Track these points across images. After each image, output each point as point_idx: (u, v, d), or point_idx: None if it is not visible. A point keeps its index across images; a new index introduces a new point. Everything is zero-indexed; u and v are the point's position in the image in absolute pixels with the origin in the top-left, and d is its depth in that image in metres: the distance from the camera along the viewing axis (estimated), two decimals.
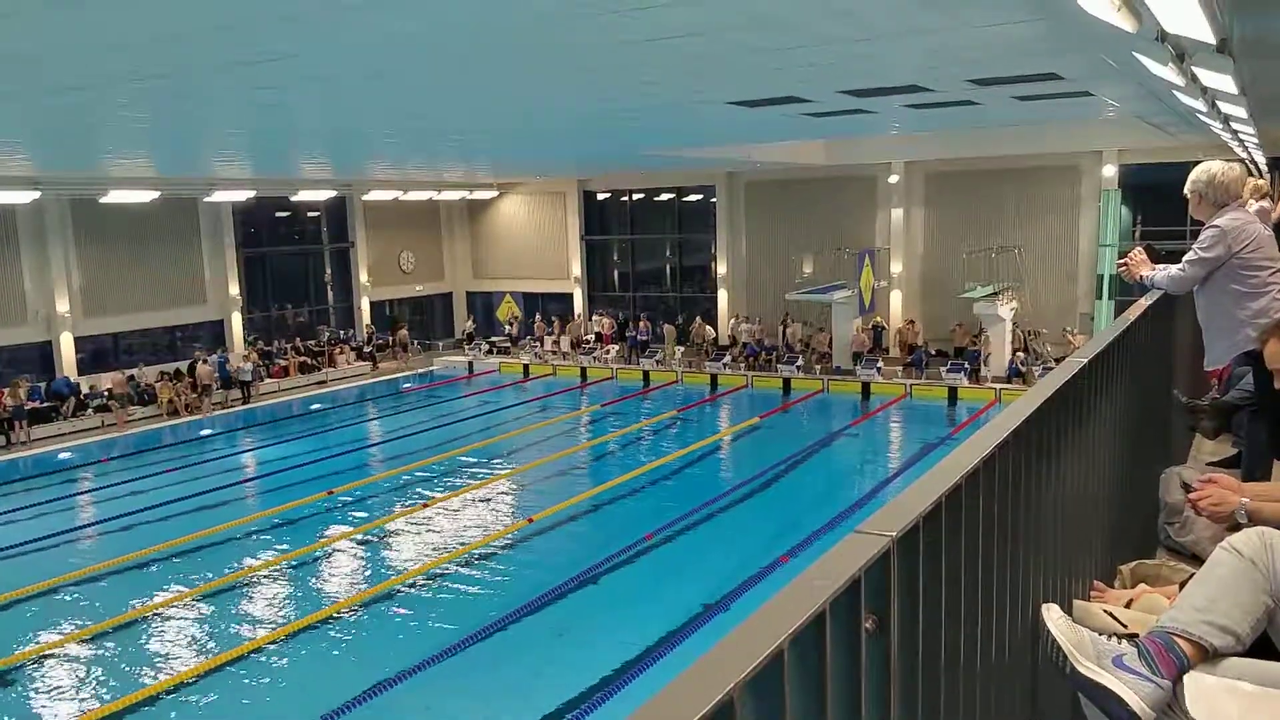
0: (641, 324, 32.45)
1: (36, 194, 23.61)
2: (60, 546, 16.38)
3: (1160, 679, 2.07)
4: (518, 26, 7.92)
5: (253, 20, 7.21)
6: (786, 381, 27.94)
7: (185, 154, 19.99)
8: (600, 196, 35.71)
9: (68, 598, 14.02)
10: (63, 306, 25.81)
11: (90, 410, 25.13)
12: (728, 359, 29.71)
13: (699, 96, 12.79)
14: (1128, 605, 2.64)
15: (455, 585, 14.19)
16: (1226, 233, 4.54)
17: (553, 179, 35.16)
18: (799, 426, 24.99)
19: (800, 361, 28.58)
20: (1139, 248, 5.24)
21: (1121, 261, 5.15)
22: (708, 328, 32.18)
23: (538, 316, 34.91)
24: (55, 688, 11.45)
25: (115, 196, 25.08)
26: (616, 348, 32.24)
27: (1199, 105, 11.17)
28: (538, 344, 33.61)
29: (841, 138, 24.73)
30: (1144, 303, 4.57)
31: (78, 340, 26.36)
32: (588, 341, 33.10)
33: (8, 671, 11.76)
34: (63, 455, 23.07)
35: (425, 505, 17.92)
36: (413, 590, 13.97)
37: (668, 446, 23.02)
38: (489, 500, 18.74)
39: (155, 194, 25.88)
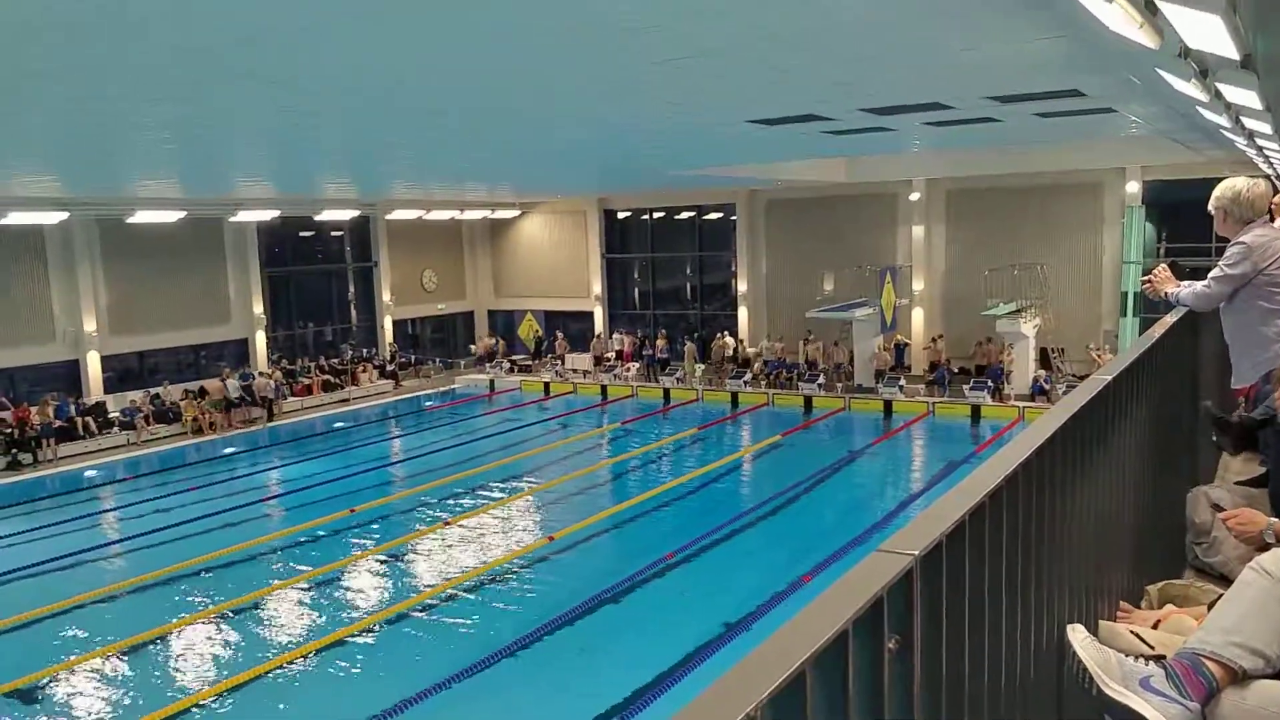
0: (660, 342, 32.47)
1: (65, 214, 23.95)
2: (86, 564, 16.50)
3: (1188, 701, 2.04)
4: (539, 48, 7.99)
5: (277, 40, 7.31)
6: (808, 399, 27.85)
7: (210, 175, 20.24)
8: (621, 215, 35.84)
9: (92, 615, 14.11)
10: (90, 325, 26.12)
11: (115, 428, 25.38)
12: (748, 376, 29.66)
13: (719, 116, 12.84)
14: (1155, 626, 2.61)
15: (477, 603, 14.19)
16: (1253, 249, 4.50)
17: (574, 198, 35.34)
18: (820, 445, 24.87)
19: (821, 379, 28.49)
20: (1163, 264, 5.21)
21: (1146, 279, 5.11)
22: (728, 339, 32.19)
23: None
24: (80, 705, 11.51)
25: (142, 217, 25.42)
26: (637, 365, 32.27)
27: (1223, 121, 11.10)
28: (559, 362, 33.72)
29: (862, 155, 24.76)
30: (1169, 320, 4.53)
31: (104, 359, 26.66)
32: (608, 359, 33.16)
33: (34, 688, 11.84)
34: (89, 473, 23.30)
35: (447, 523, 17.95)
36: (434, 608, 13.98)
37: (688, 464, 22.96)
38: (510, 518, 18.75)
39: (181, 214, 26.20)
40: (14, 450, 23.11)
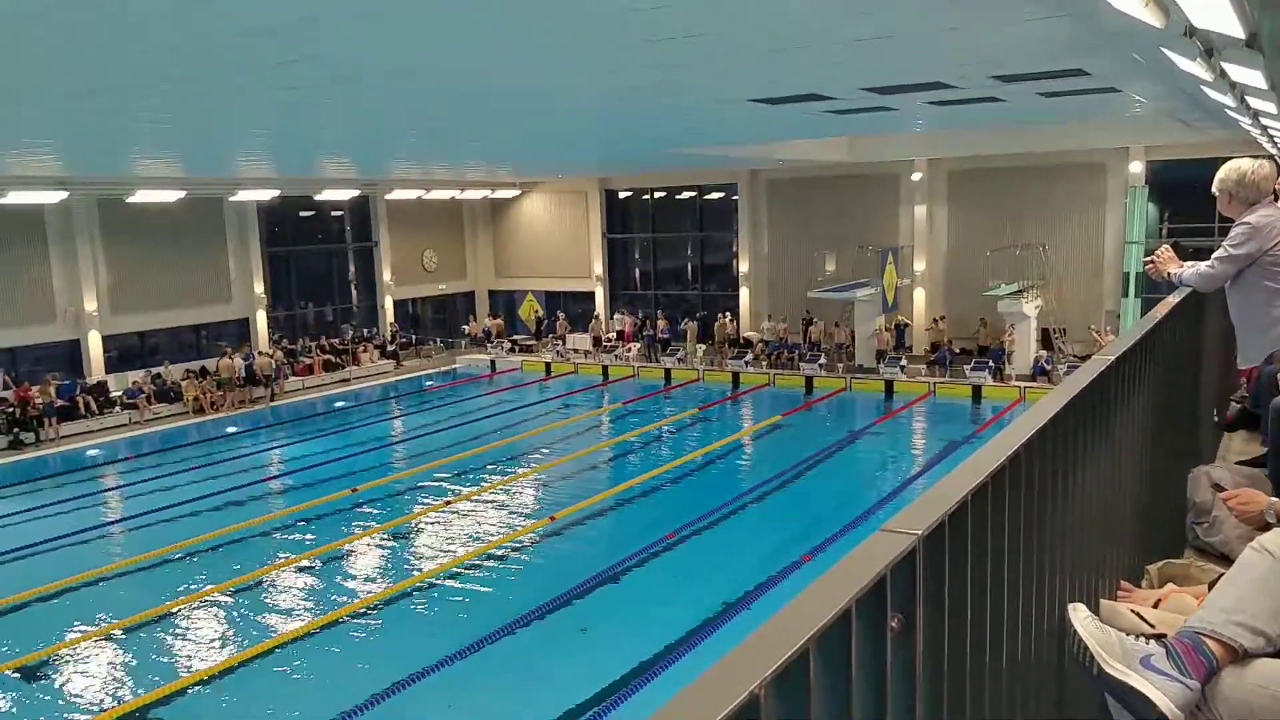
0: (661, 322, 32.46)
1: (65, 194, 23.88)
2: (88, 543, 16.57)
3: (1189, 680, 2.04)
4: (540, 27, 7.94)
5: (277, 21, 7.26)
6: (809, 380, 27.88)
7: (210, 154, 20.17)
8: (622, 195, 35.74)
9: (94, 593, 14.18)
10: (90, 305, 26.12)
11: (117, 408, 25.42)
12: (749, 357, 29.67)
13: (721, 94, 12.78)
14: (1155, 605, 2.61)
15: (477, 582, 14.26)
16: (1258, 229, 4.48)
17: (574, 178, 35.23)
18: (821, 425, 24.92)
19: (823, 360, 28.49)
20: (1166, 245, 5.19)
21: (1148, 259, 5.10)
22: (729, 319, 32.20)
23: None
24: (82, 682, 11.58)
25: (142, 196, 25.36)
26: (638, 345, 32.28)
27: (1228, 101, 11.06)
28: (560, 341, 33.73)
29: (864, 135, 24.67)
30: (1172, 300, 4.52)
31: (105, 338, 26.67)
32: (608, 340, 33.15)
33: (38, 665, 11.92)
34: (90, 452, 23.36)
35: (448, 503, 18.01)
36: (435, 587, 14.04)
37: (689, 445, 23.02)
38: (511, 498, 18.80)
39: (181, 194, 26.14)
40: (16, 429, 23.16)
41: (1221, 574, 2.40)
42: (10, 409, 23.40)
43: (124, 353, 27.49)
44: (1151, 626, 2.40)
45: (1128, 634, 2.18)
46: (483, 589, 14.03)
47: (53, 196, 23.84)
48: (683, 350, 30.98)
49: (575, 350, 33.03)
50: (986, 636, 1.92)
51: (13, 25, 6.98)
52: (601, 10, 7.38)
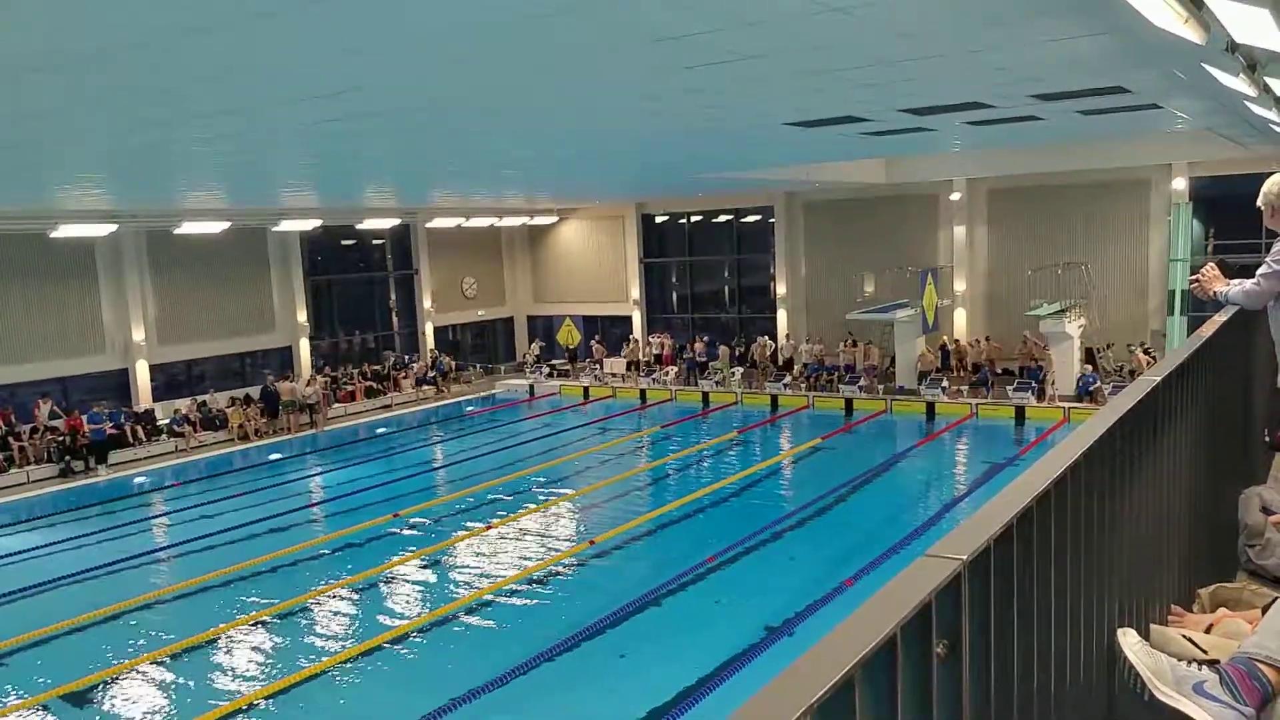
0: (699, 345, 32.43)
1: (114, 227, 24.44)
2: (136, 569, 16.80)
3: (1243, 706, 2.01)
4: (577, 55, 8.03)
5: (318, 55, 7.42)
6: (849, 402, 27.67)
7: (255, 186, 20.55)
8: (658, 219, 35.88)
9: (142, 619, 14.37)
10: (138, 335, 26.65)
11: (164, 435, 25.83)
12: (788, 379, 29.52)
13: (757, 119, 12.81)
14: (1207, 630, 2.57)
15: (518, 607, 14.26)
16: None
17: (611, 203, 35.43)
18: (862, 448, 24.69)
19: (863, 381, 28.27)
20: (1211, 263, 5.11)
21: (1194, 278, 5.02)
22: (768, 342, 32.08)
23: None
24: (129, 708, 11.71)
25: (188, 228, 25.88)
26: (675, 369, 32.26)
27: (1272, 115, 10.91)
28: (597, 366, 33.80)
29: (902, 156, 24.59)
30: (1219, 319, 4.45)
31: (152, 367, 27.17)
32: (646, 363, 33.18)
33: (86, 690, 12.07)
34: (138, 480, 23.74)
35: (489, 527, 18.06)
36: (476, 612, 14.07)
37: (729, 468, 22.91)
38: (551, 522, 18.82)
39: (226, 224, 26.63)
40: (67, 458, 23.61)
41: (1276, 598, 2.35)
42: (61, 438, 23.87)
43: (170, 381, 28.00)
44: (1204, 652, 2.35)
45: (1180, 660, 2.15)
46: (523, 613, 14.02)
47: (103, 230, 24.41)
48: (720, 374, 30.88)
49: (613, 374, 33.08)
50: (1034, 663, 1.90)
51: (69, 69, 7.19)
52: (637, 38, 7.45)
